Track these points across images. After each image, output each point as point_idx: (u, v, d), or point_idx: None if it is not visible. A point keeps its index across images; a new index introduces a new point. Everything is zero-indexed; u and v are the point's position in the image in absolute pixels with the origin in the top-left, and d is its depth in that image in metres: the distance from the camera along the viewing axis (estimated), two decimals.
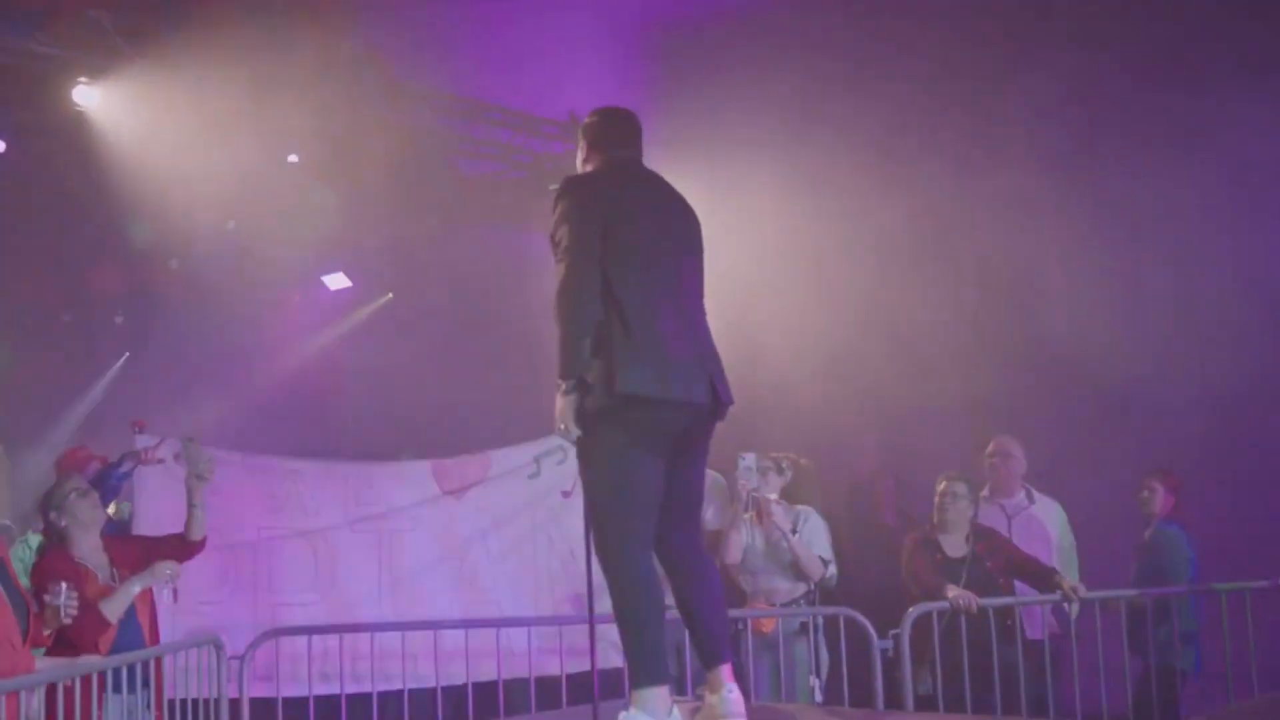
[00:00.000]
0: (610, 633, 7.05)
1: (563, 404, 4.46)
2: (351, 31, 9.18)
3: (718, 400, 4.57)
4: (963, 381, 9.08)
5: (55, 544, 6.07)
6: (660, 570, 4.57)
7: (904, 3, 9.16)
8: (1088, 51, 8.62)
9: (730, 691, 4.54)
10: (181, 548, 6.33)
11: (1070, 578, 7.30)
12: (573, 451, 7.48)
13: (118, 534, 6.83)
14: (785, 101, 8.74)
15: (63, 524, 6.01)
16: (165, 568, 6.06)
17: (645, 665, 4.45)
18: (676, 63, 9.18)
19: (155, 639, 6.20)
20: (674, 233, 4.69)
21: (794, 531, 7.34)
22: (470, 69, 9.83)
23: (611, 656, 7.24)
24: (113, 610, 5.86)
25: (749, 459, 7.25)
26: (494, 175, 11.19)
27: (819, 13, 9.02)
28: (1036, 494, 7.87)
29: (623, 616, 4.47)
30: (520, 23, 9.46)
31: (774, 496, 7.34)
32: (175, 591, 6.29)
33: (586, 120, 4.91)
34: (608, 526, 4.51)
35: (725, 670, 4.58)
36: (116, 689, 5.64)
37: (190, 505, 6.35)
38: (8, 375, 14.04)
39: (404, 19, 9.13)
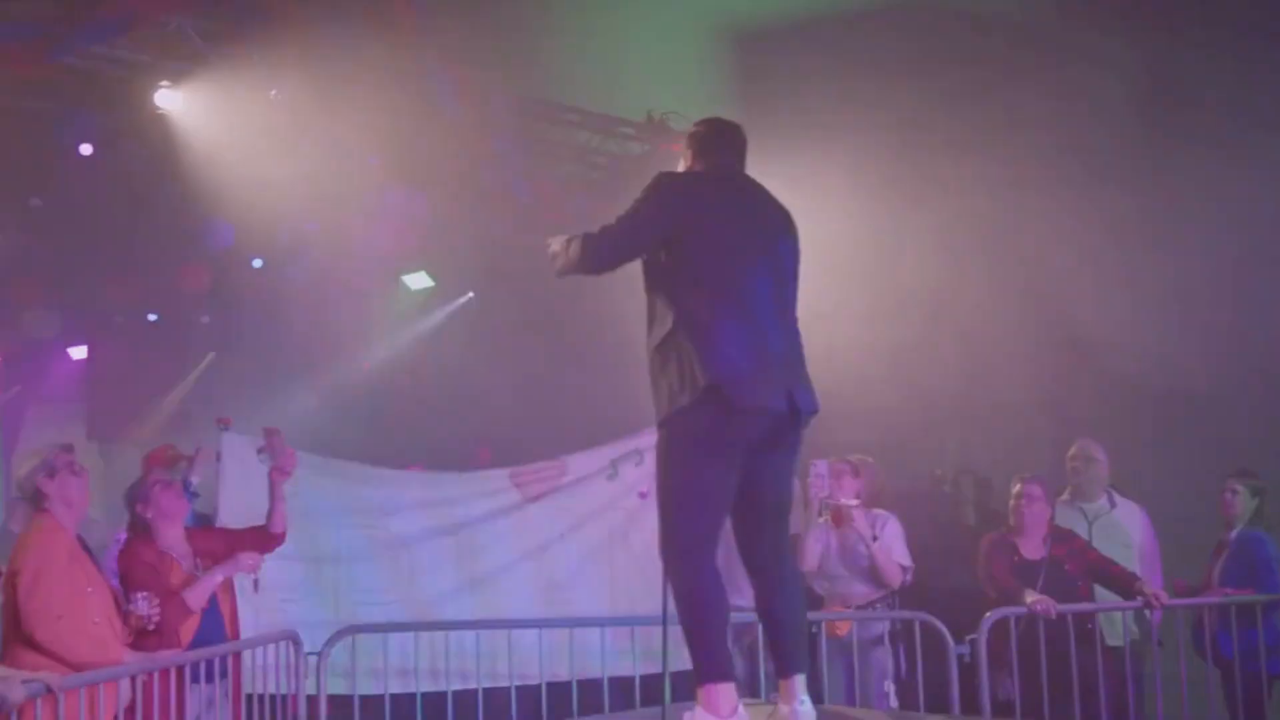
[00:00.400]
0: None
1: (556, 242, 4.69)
2: (429, 33, 9.23)
3: (797, 409, 4.55)
4: (1041, 381, 8.96)
5: (140, 534, 6.17)
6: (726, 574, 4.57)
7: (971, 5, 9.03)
8: (1150, 45, 8.46)
9: (802, 704, 4.52)
10: (263, 540, 6.43)
11: (1153, 583, 7.17)
12: (648, 453, 7.64)
13: (200, 526, 6.95)
14: (856, 97, 8.67)
15: (148, 515, 6.14)
16: (247, 558, 6.20)
17: (708, 664, 4.46)
18: (752, 63, 9.14)
19: (235, 630, 6.30)
20: (764, 242, 4.67)
21: (875, 537, 7.26)
22: (549, 70, 9.85)
23: (687, 659, 7.28)
24: (195, 598, 5.98)
25: (821, 466, 7.20)
26: (571, 176, 11.23)
27: (891, 14, 8.93)
28: (1119, 497, 7.72)
29: (685, 616, 4.49)
30: (600, 23, 9.46)
31: (854, 502, 7.26)
32: (256, 582, 6.38)
33: (692, 129, 4.94)
34: (671, 527, 4.53)
35: (798, 681, 4.56)
36: (195, 679, 5.76)
37: (272, 498, 6.45)
38: (98, 374, 14.37)
39: (481, 20, 9.16)
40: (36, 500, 5.32)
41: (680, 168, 4.91)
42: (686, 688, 6.88)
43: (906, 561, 7.40)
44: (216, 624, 6.14)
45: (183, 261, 12.09)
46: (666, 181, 4.67)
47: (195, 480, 6.99)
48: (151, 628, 5.64)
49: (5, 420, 15.58)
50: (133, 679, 5.36)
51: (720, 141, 4.87)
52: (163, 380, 13.80)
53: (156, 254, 11.91)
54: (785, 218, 4.81)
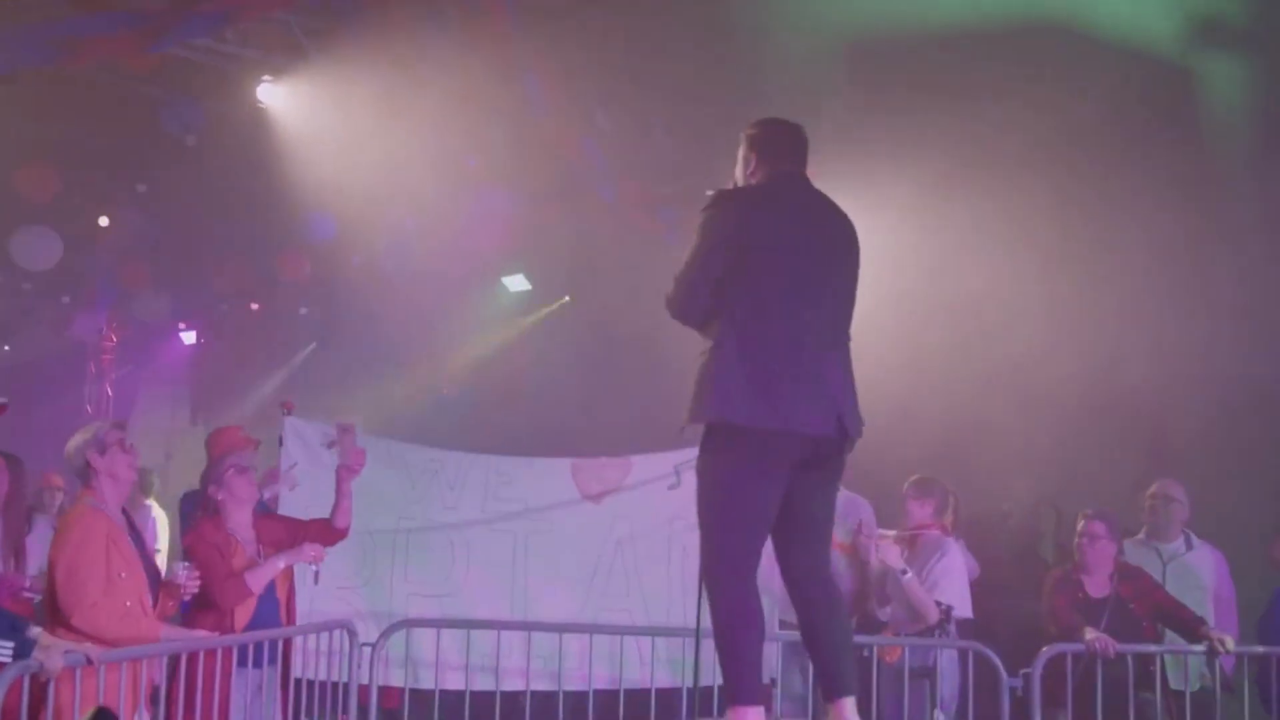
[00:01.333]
0: None
1: None
2: (523, 36, 9.31)
3: (843, 432, 4.51)
4: (1129, 416, 8.76)
5: (209, 515, 6.31)
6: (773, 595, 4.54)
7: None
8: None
9: None
10: (326, 533, 6.51)
11: (1226, 630, 6.96)
12: None
13: (264, 513, 7.06)
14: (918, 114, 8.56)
15: (219, 497, 6.26)
16: (311, 549, 6.28)
17: (738, 685, 4.43)
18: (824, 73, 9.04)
19: (291, 618, 6.39)
20: (820, 258, 4.60)
21: (905, 570, 6.98)
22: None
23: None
24: (256, 580, 6.08)
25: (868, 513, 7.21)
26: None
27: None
28: (1196, 540, 7.50)
29: (719, 636, 4.47)
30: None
31: (890, 534, 7.11)
32: (318, 574, 6.47)
33: (751, 130, 4.83)
34: (711, 546, 4.50)
35: (846, 705, 4.49)
36: (242, 663, 5.83)
37: (339, 494, 6.52)
38: (203, 359, 14.76)
39: (572, 24, 9.22)
40: (85, 475, 5.45)
41: (737, 170, 4.82)
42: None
43: (950, 600, 7.07)
44: (272, 609, 6.23)
45: (284, 253, 12.34)
46: (717, 209, 4.58)
47: (267, 495, 7.05)
48: (187, 597, 5.72)
49: (118, 400, 16.06)
50: (177, 657, 5.47)
51: (782, 145, 4.77)
52: (263, 368, 14.10)
53: (258, 244, 12.18)
54: (846, 232, 4.73)
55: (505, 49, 9.23)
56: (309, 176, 10.22)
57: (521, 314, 14.19)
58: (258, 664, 5.91)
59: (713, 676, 6.84)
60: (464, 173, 11.02)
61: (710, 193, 4.71)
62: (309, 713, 6.47)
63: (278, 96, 9.59)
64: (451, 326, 13.45)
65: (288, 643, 6.26)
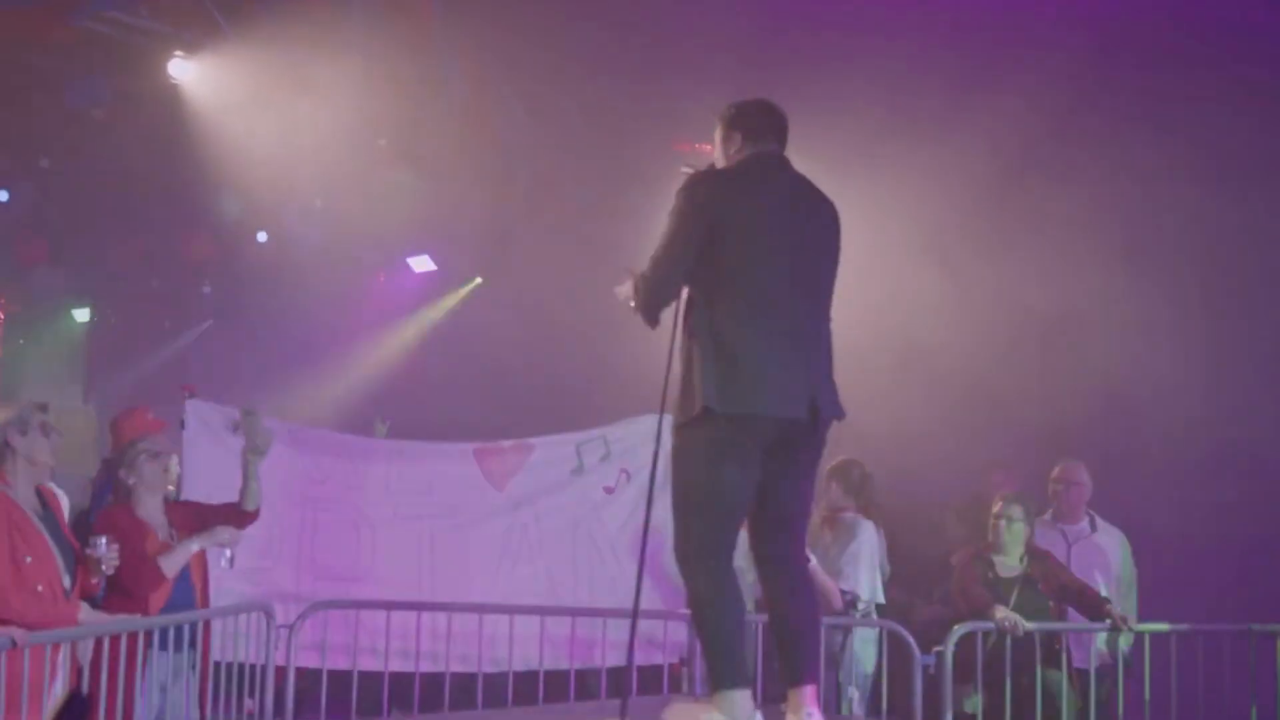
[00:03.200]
0: (651, 631, 7.20)
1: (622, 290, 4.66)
2: (441, 15, 9.25)
3: (817, 415, 4.49)
4: (1033, 399, 8.95)
5: (120, 500, 6.22)
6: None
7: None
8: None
9: (810, 716, 4.45)
10: (236, 517, 6.45)
11: (1126, 609, 7.19)
12: (614, 446, 7.66)
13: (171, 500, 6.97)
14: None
15: (130, 482, 6.17)
16: (224, 533, 6.21)
17: (724, 668, 4.40)
18: (806, 53, 9.09)
19: (206, 601, 6.32)
20: (798, 239, 4.55)
21: (808, 559, 7.03)
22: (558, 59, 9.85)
23: (652, 654, 7.33)
24: (169, 566, 6.00)
25: None
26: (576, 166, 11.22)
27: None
28: (1100, 522, 7.75)
29: (700, 620, 4.47)
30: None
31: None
32: (233, 558, 6.39)
33: (732, 110, 4.74)
34: (687, 530, 4.48)
35: (808, 693, 4.48)
36: (164, 646, 5.76)
37: (246, 478, 6.45)
38: (99, 336, 14.45)
39: (493, 6, 9.18)
40: (1, 454, 5.34)
41: (716, 151, 4.76)
42: (649, 682, 7.03)
43: (851, 586, 7.17)
44: (188, 593, 6.14)
45: (187, 230, 12.13)
46: (691, 192, 4.53)
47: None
48: (110, 571, 5.63)
49: (5, 378, 15.67)
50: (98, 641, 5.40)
51: (761, 124, 4.71)
52: (160, 347, 13.85)
53: (162, 222, 11.97)
54: (827, 213, 4.68)
55: (421, 26, 9.16)
56: (217, 153, 10.06)
57: (429, 296, 14.07)
58: (178, 648, 5.83)
59: (643, 656, 7.02)
60: (374, 152, 10.94)
61: (686, 169, 4.68)
62: (225, 696, 6.42)
63: (189, 72, 9.43)
64: (357, 306, 13.32)
65: (207, 626, 6.20)
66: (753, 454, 4.44)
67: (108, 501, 6.42)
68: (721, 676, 4.39)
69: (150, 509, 6.19)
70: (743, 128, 4.70)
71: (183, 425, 7.13)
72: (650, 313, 4.60)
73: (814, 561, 6.99)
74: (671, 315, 4.61)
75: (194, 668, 6.09)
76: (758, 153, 4.66)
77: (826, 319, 4.64)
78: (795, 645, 4.54)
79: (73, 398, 15.53)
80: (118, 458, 6.34)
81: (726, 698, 4.36)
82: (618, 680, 6.82)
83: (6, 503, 5.26)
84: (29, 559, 5.21)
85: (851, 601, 7.20)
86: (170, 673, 5.92)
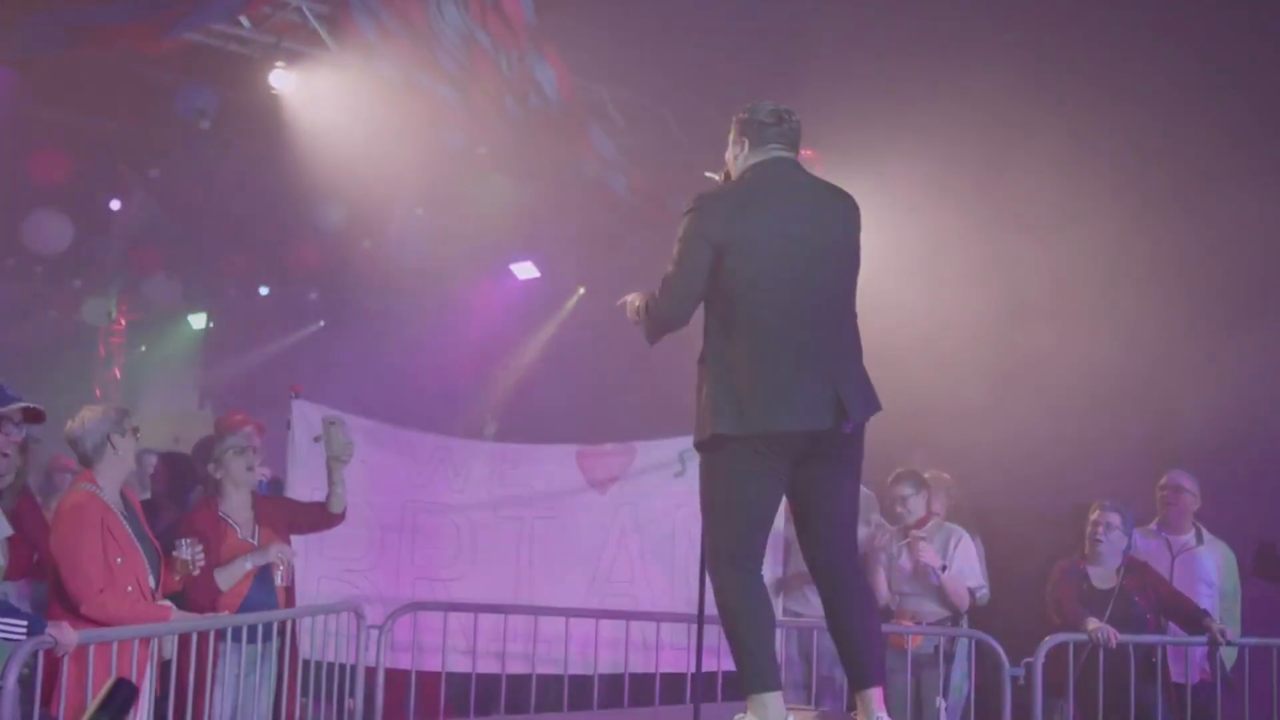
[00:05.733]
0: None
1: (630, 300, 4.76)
2: (537, 27, 9.32)
3: (842, 419, 4.44)
4: (1143, 409, 8.74)
5: (207, 496, 6.37)
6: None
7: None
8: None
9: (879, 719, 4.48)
10: (323, 517, 6.63)
11: (1229, 623, 6.99)
12: None
13: (270, 493, 7.13)
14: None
15: (218, 476, 6.31)
16: (277, 550, 6.24)
17: (753, 673, 4.44)
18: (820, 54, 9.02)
19: (291, 600, 6.41)
20: (809, 245, 4.51)
21: (944, 566, 7.18)
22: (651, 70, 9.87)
23: (726, 661, 7.28)
24: (225, 580, 6.08)
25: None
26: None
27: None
28: (1207, 534, 7.54)
29: (727, 627, 4.50)
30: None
31: (922, 534, 7.20)
32: (288, 572, 6.41)
33: (742, 114, 4.72)
34: (711, 542, 4.55)
35: (876, 695, 4.49)
36: (236, 639, 5.87)
37: (330, 483, 6.59)
38: (213, 343, 14.81)
39: (587, 19, 9.22)
40: (94, 456, 5.48)
41: (728, 155, 4.73)
42: (731, 689, 6.97)
43: (976, 583, 7.33)
44: (268, 591, 6.23)
45: (294, 239, 12.38)
46: (693, 219, 4.51)
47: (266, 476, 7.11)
48: (196, 572, 5.76)
49: (126, 384, 16.14)
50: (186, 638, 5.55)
51: (769, 131, 4.65)
52: (271, 352, 14.15)
53: (269, 230, 12.21)
54: (843, 214, 4.63)
55: (515, 31, 9.23)
56: (320, 163, 10.25)
57: (531, 302, 14.19)
58: (250, 639, 5.92)
59: (717, 662, 6.98)
60: (473, 161, 11.05)
61: (710, 176, 4.75)
62: (315, 695, 6.53)
63: (290, 82, 9.62)
64: (460, 313, 13.48)
65: (294, 623, 6.31)
66: (773, 468, 4.46)
67: (195, 496, 6.55)
68: (752, 681, 4.42)
69: (236, 504, 6.31)
70: (750, 135, 4.67)
71: (289, 425, 7.27)
72: (655, 335, 4.67)
73: (948, 570, 7.13)
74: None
75: (273, 659, 6.15)
76: (762, 161, 4.63)
77: (850, 317, 4.61)
78: (857, 650, 4.54)
79: (189, 402, 15.97)
80: (207, 452, 6.48)
81: (758, 701, 4.39)
82: (708, 684, 6.81)
83: (99, 505, 5.41)
84: (120, 560, 5.35)
85: (975, 592, 7.30)
86: (245, 664, 5.99)
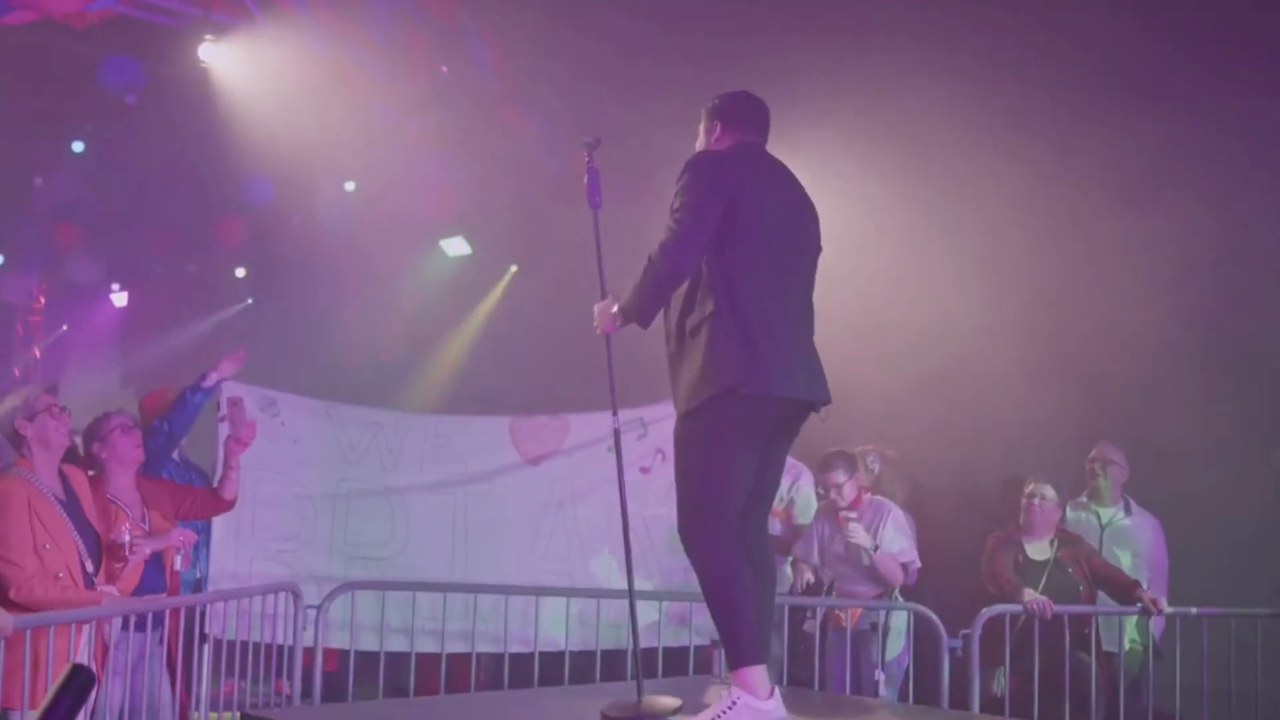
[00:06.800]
0: (681, 612, 7.19)
1: (603, 307, 4.66)
2: (472, 4, 9.23)
3: (821, 396, 4.56)
4: (1068, 386, 8.85)
5: (94, 477, 6.07)
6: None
7: None
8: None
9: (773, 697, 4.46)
10: (211, 503, 6.41)
11: (1158, 593, 7.13)
12: (651, 427, 7.62)
13: (187, 476, 6.98)
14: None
15: (103, 456, 6.08)
16: (179, 534, 6.01)
17: (741, 646, 4.42)
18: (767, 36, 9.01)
19: (176, 584, 6.21)
20: (796, 227, 4.62)
21: (876, 546, 7.19)
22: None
23: (681, 636, 7.32)
24: (124, 580, 5.80)
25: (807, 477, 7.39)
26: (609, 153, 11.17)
27: None
28: (1135, 506, 7.67)
29: (712, 601, 4.47)
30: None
31: (853, 515, 7.21)
32: (185, 558, 6.21)
33: (716, 102, 4.75)
34: (698, 513, 4.49)
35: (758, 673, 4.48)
36: (125, 627, 5.72)
37: (225, 466, 6.38)
38: (136, 322, 14.57)
39: None
40: (15, 442, 5.37)
41: (699, 143, 4.75)
42: (677, 664, 7.01)
43: (908, 558, 7.31)
44: (157, 576, 6.03)
45: (221, 215, 12.19)
46: (704, 166, 4.52)
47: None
48: (136, 558, 5.64)
49: (45, 364, 15.84)
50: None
51: (747, 116, 4.73)
52: (196, 330, 13.94)
53: (196, 206, 12.02)
54: (810, 202, 4.74)
55: (451, 8, 9.14)
56: (249, 137, 10.09)
57: (462, 279, 14.06)
58: (139, 628, 5.78)
59: (657, 639, 7.01)
60: (404, 135, 10.94)
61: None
62: (251, 677, 6.45)
63: (219, 56, 9.46)
64: (391, 289, 13.34)
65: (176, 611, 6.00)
66: (759, 434, 4.48)
67: None
68: (740, 654, 4.40)
69: (122, 485, 6.07)
70: (723, 118, 4.72)
71: (218, 406, 7.15)
72: (660, 299, 4.50)
73: (879, 550, 7.12)
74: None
75: (161, 644, 5.96)
76: (741, 142, 4.67)
77: (812, 306, 4.70)
78: (763, 627, 4.53)
79: (110, 383, 15.68)
80: (93, 430, 6.18)
81: (747, 674, 4.38)
82: (649, 661, 6.82)
83: (28, 490, 5.30)
84: (48, 546, 5.25)
85: (907, 566, 7.30)
86: (136, 654, 5.84)
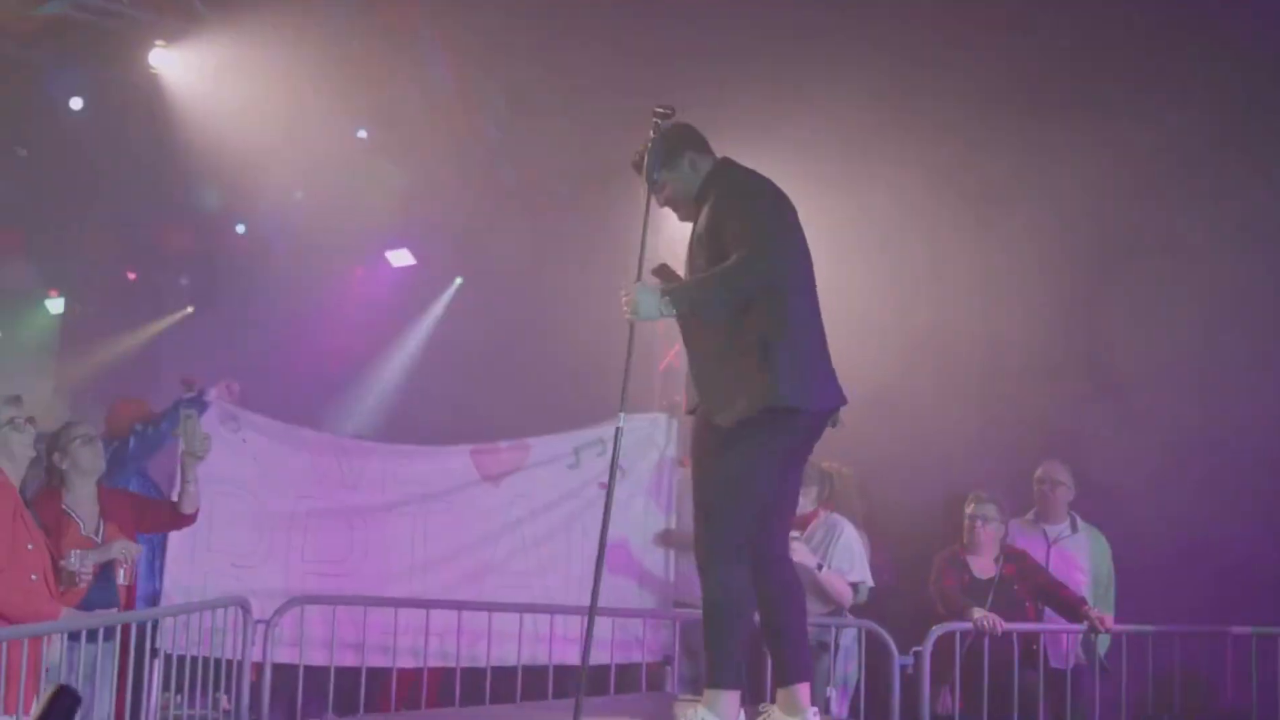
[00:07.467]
0: (631, 627, 7.18)
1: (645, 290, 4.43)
2: (426, 11, 9.20)
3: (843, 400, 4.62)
4: (1013, 402, 8.94)
5: (52, 487, 6.06)
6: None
7: None
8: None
9: (815, 715, 4.51)
10: (172, 517, 6.39)
11: (1104, 610, 7.22)
12: (609, 445, 7.59)
13: (147, 489, 6.96)
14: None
15: (63, 467, 6.04)
16: (120, 546, 5.97)
17: (722, 668, 4.46)
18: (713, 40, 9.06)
19: (133, 601, 6.20)
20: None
21: (820, 564, 7.07)
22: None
23: (632, 652, 7.32)
24: (64, 576, 5.76)
25: None
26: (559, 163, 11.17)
27: None
28: (1081, 523, 7.77)
29: (709, 616, 4.49)
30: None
31: (797, 535, 7.14)
32: (125, 571, 6.13)
33: (678, 129, 4.71)
34: (716, 526, 4.48)
35: (805, 690, 4.53)
36: (76, 638, 5.66)
37: (184, 480, 6.33)
38: (70, 329, 14.32)
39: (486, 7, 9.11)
40: None
41: (683, 173, 4.70)
42: (629, 680, 7.00)
43: (857, 576, 7.22)
44: (110, 590, 5.98)
45: (165, 222, 12.04)
46: (763, 184, 4.58)
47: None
48: (83, 585, 5.58)
49: None
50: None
51: (701, 139, 4.76)
52: (135, 338, 13.74)
53: (140, 212, 11.86)
54: None
55: (404, 16, 9.10)
56: (197, 144, 10.00)
57: (407, 290, 13.99)
58: (90, 639, 5.71)
59: (609, 655, 6.99)
60: (353, 144, 10.89)
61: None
62: (190, 691, 6.37)
63: (170, 62, 9.35)
64: (335, 299, 13.25)
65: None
66: (793, 450, 4.52)
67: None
68: (722, 676, 4.43)
69: (81, 496, 6.05)
70: (694, 143, 4.72)
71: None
72: (739, 301, 4.39)
73: (825, 569, 7.06)
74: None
75: (115, 658, 5.92)
76: (729, 158, 4.75)
77: None
78: (793, 642, 4.57)
79: (42, 391, 15.40)
80: (53, 441, 6.13)
81: (720, 697, 4.41)
82: (601, 678, 6.82)
83: (11, 492, 5.31)
84: (30, 546, 5.19)
85: (857, 586, 7.22)
86: (89, 667, 5.77)
